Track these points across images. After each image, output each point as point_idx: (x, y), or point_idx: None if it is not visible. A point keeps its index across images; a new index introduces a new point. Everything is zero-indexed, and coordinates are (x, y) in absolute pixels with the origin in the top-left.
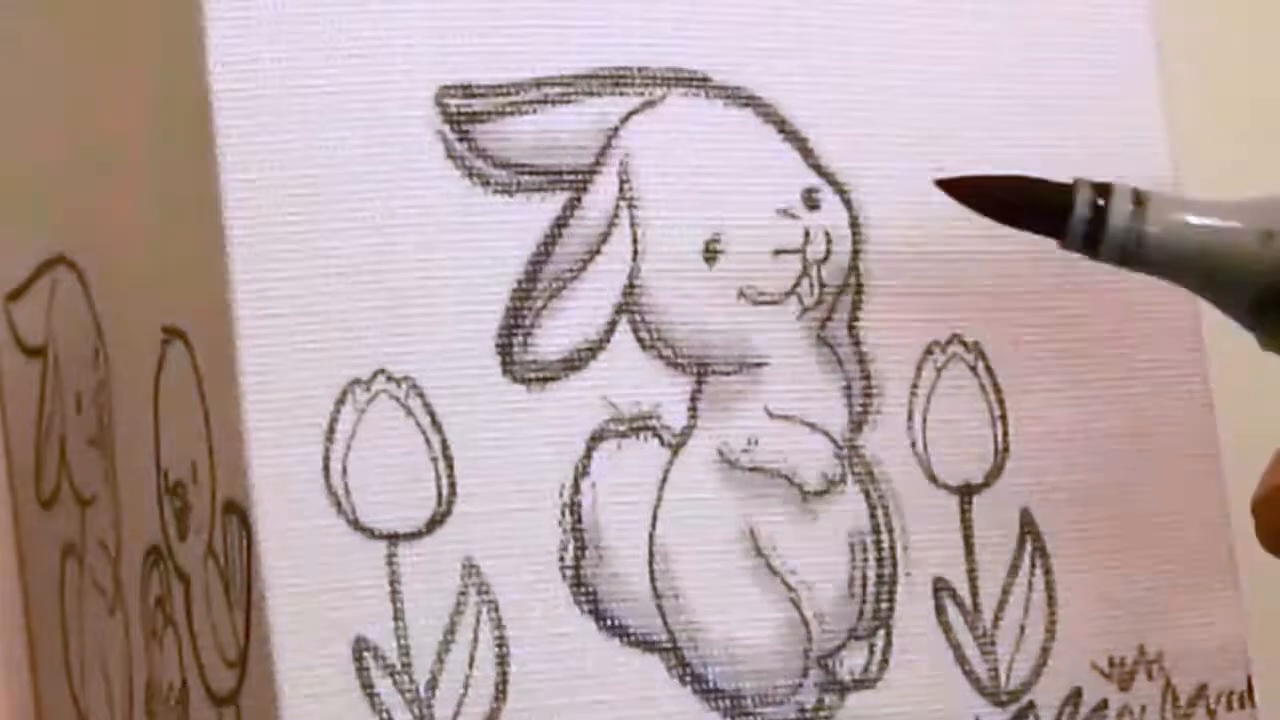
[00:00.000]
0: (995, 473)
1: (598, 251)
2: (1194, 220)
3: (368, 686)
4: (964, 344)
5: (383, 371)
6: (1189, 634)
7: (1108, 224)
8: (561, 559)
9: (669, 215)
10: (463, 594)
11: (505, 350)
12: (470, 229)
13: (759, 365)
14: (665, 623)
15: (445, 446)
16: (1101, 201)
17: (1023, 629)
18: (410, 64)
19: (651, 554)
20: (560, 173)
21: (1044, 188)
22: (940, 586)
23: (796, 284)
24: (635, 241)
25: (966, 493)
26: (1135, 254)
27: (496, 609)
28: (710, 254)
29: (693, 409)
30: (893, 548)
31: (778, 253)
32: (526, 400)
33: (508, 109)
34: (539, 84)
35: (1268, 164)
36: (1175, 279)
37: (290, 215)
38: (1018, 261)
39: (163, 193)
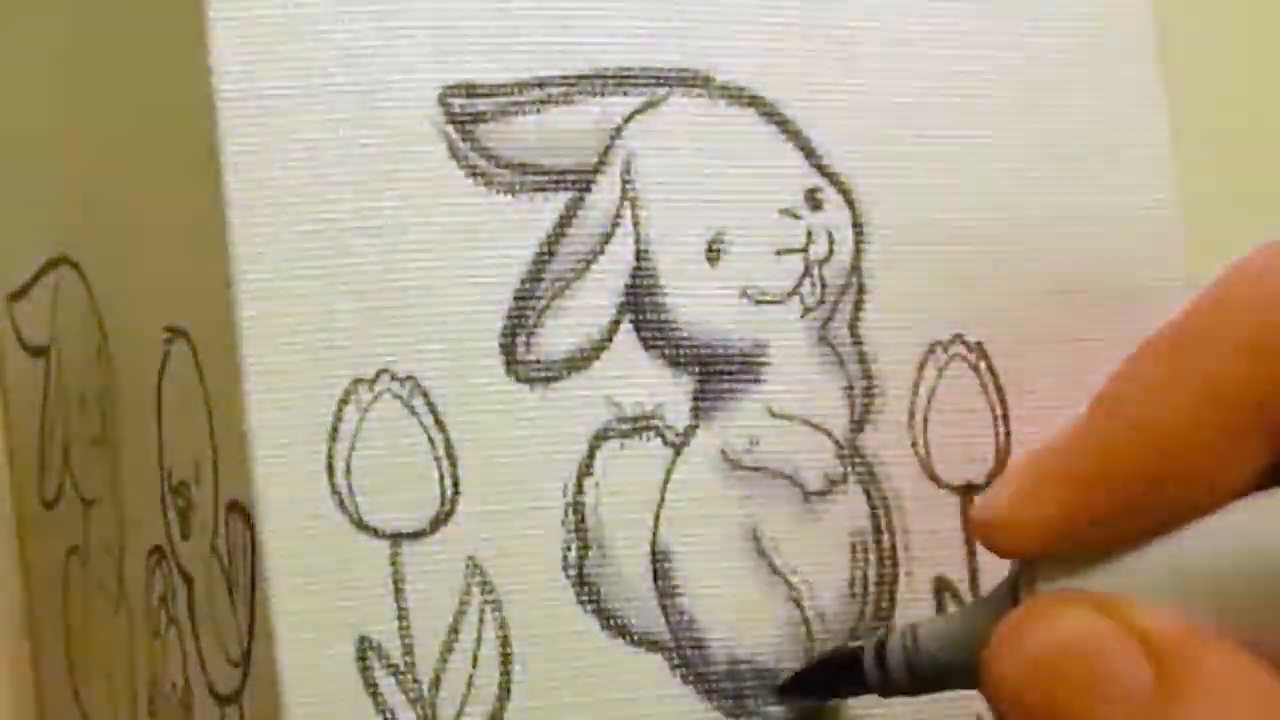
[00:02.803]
0: (998, 472)
1: (601, 251)
2: (954, 630)
3: (371, 685)
4: (966, 344)
5: (386, 371)
6: None
7: (887, 662)
8: (565, 558)
9: (671, 215)
10: (466, 593)
11: (508, 350)
12: (473, 228)
13: (761, 365)
14: (668, 622)
15: (449, 446)
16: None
17: None
18: (413, 64)
19: (654, 553)
20: (563, 172)
21: (832, 655)
22: (941, 586)
23: (799, 284)
24: (638, 241)
25: (968, 492)
26: (924, 678)
27: (500, 608)
28: (713, 254)
29: (695, 408)
30: (894, 547)
31: (780, 253)
32: (530, 400)
33: (511, 109)
34: (542, 84)
35: (1268, 164)
36: (965, 685)
37: (293, 215)
38: (1020, 261)
39: (165, 192)
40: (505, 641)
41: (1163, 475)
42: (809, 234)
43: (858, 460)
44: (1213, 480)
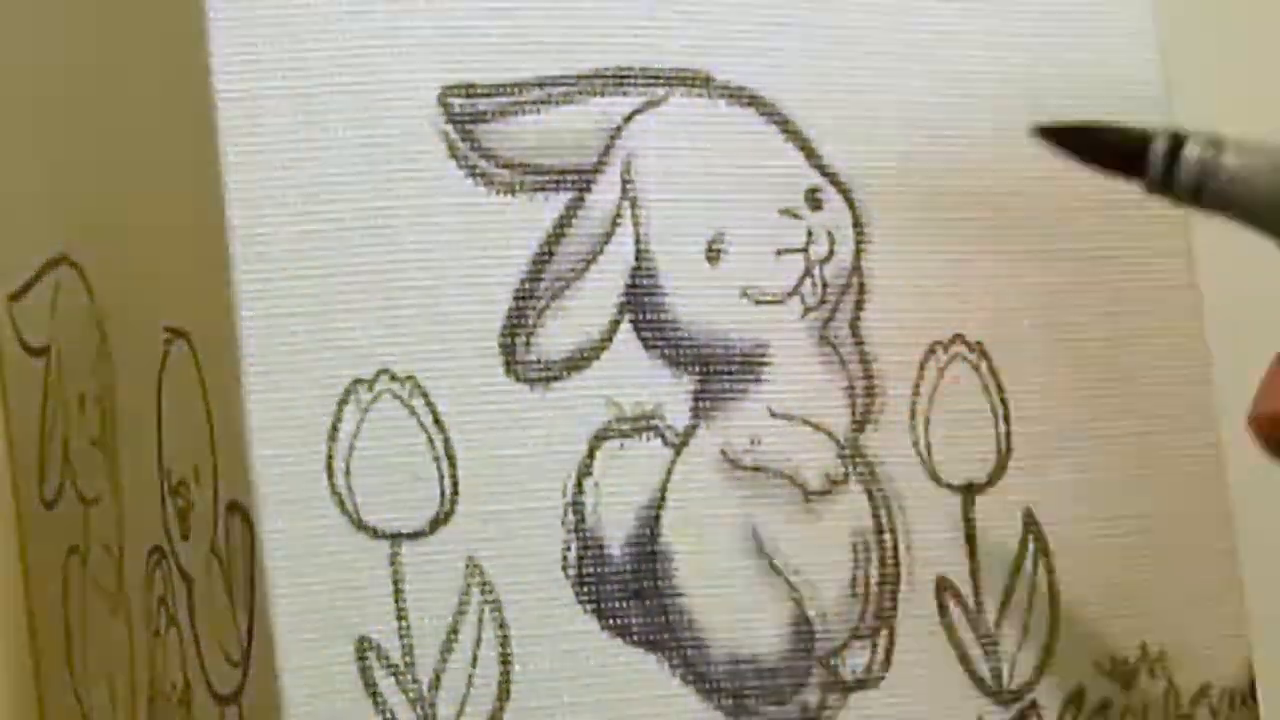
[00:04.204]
0: (998, 472)
1: (600, 251)
2: (1265, 160)
3: (370, 685)
4: (966, 343)
5: (385, 371)
6: (1191, 633)
7: (1181, 161)
8: (564, 558)
9: (672, 215)
10: (465, 593)
11: (508, 350)
12: (473, 228)
13: (762, 365)
14: (668, 621)
15: (448, 446)
16: (1177, 143)
17: (1025, 628)
18: (414, 64)
19: (654, 553)
20: (563, 172)
21: (1124, 133)
22: (943, 586)
23: (799, 284)
24: (638, 241)
25: (969, 492)
26: (1211, 192)
27: (499, 608)
28: (713, 253)
29: (695, 408)
30: (895, 547)
31: (780, 252)
32: (529, 400)
33: (511, 109)
34: (542, 84)
35: None
36: (1249, 219)
37: (293, 215)
38: (1020, 261)
39: (166, 193)
40: (505, 641)
41: None
42: (809, 234)
43: (858, 460)
44: None
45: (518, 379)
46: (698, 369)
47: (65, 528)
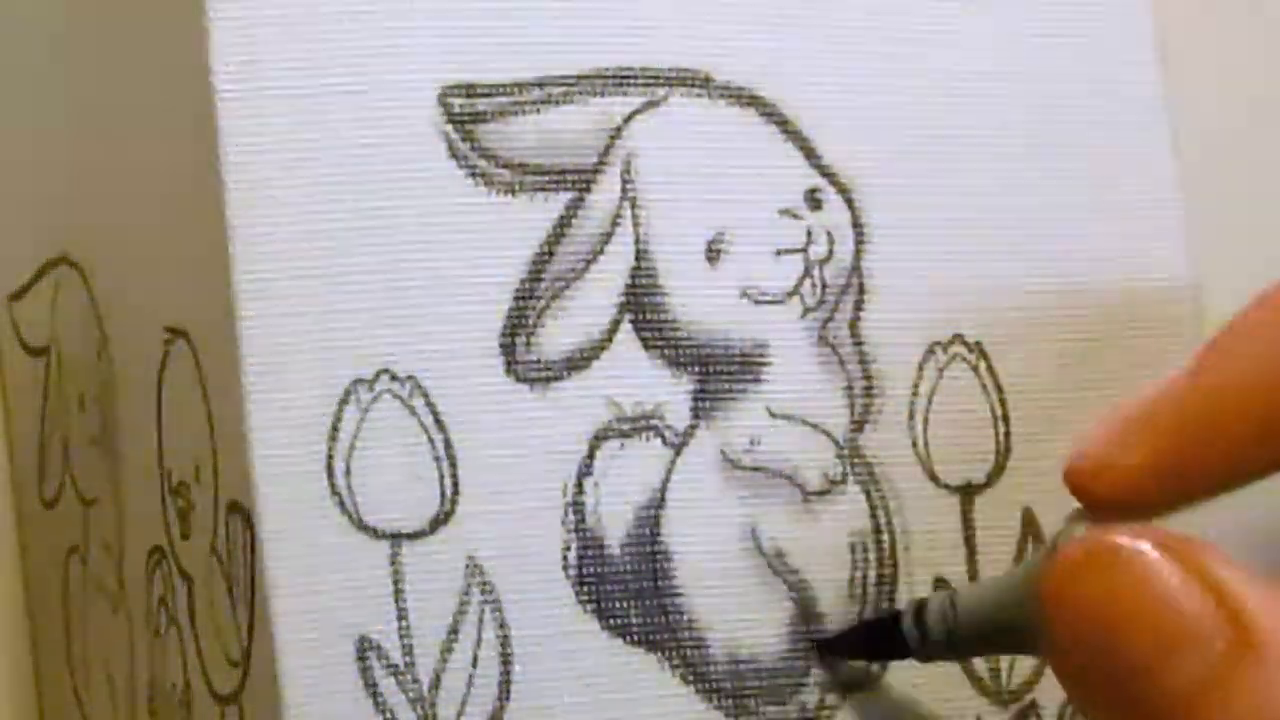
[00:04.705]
0: (997, 472)
1: (601, 251)
2: (982, 595)
3: (371, 686)
4: (966, 344)
5: (386, 371)
6: None
7: (927, 626)
8: (565, 558)
9: (672, 215)
10: (466, 593)
11: (508, 350)
12: (473, 229)
13: (761, 365)
14: (668, 622)
15: (448, 446)
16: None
17: None
18: (413, 64)
19: (654, 553)
20: (563, 172)
21: (873, 622)
22: (941, 586)
23: (799, 284)
24: (638, 241)
25: (968, 492)
26: (959, 648)
27: (500, 608)
28: (713, 254)
29: (695, 408)
30: (894, 547)
31: (780, 253)
32: (530, 400)
33: (511, 109)
34: (542, 84)
35: (1268, 164)
36: (991, 649)
37: (293, 215)
38: (1020, 261)
39: (166, 193)
40: (505, 641)
41: (1274, 423)
42: (809, 234)
43: (857, 460)
44: None
45: (518, 379)
46: (697, 369)
47: (65, 528)
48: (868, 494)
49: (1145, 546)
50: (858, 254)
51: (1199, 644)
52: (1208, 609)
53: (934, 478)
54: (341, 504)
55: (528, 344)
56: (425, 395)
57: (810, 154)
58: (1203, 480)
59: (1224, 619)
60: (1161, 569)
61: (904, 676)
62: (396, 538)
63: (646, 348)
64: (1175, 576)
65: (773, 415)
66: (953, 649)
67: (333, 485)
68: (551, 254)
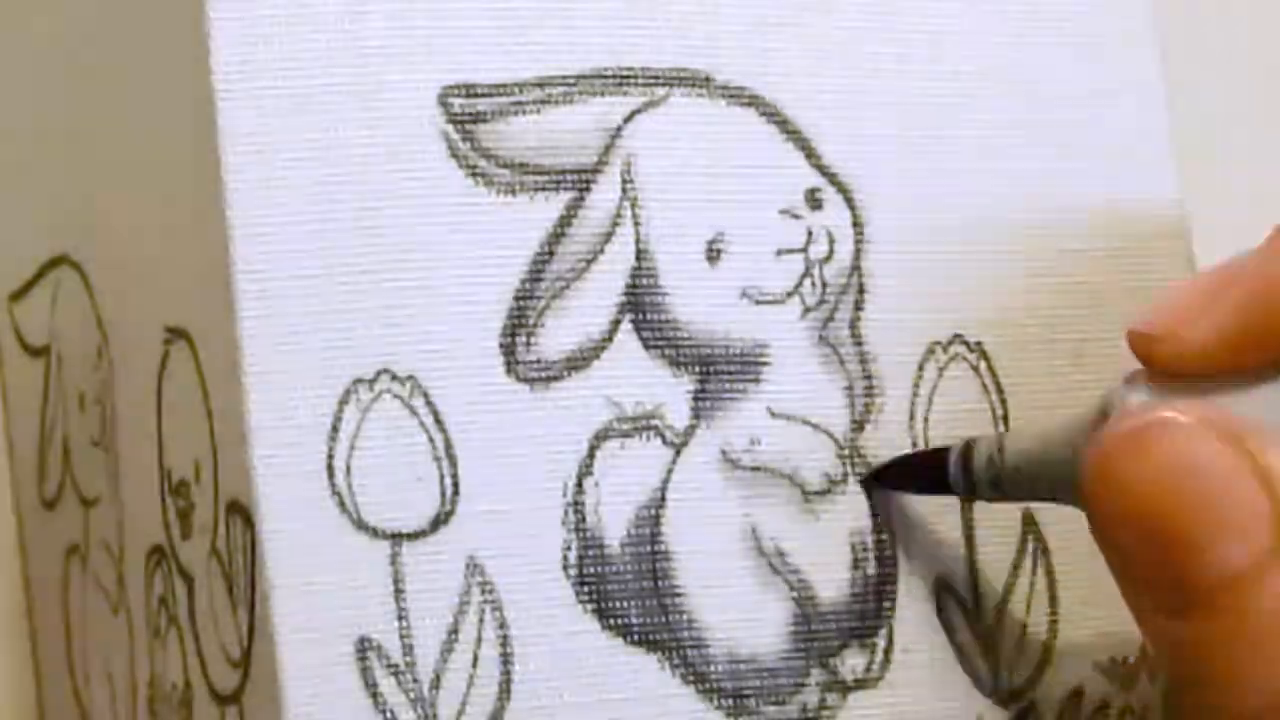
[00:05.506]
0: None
1: (601, 251)
2: (1033, 443)
3: (371, 686)
4: (966, 344)
5: (386, 371)
6: None
7: (973, 467)
8: (565, 558)
9: (671, 215)
10: (466, 593)
11: (509, 350)
12: (473, 229)
13: (761, 365)
14: (668, 622)
15: (449, 446)
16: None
17: (1024, 628)
18: (413, 64)
19: (654, 553)
20: (563, 172)
21: (921, 455)
22: (941, 586)
23: (799, 284)
24: (638, 241)
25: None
26: (1005, 483)
27: (500, 608)
28: (713, 254)
29: (695, 408)
30: (894, 547)
31: (780, 253)
32: (530, 400)
33: (511, 109)
34: (542, 84)
35: (1268, 164)
36: (1037, 497)
37: (293, 215)
38: (1020, 261)
39: (166, 193)
40: (505, 641)
41: None
42: (809, 234)
43: (858, 460)
44: None
45: (518, 379)
46: (697, 369)
47: (65, 528)
48: (868, 494)
49: (1195, 426)
50: (858, 254)
51: (1244, 534)
52: (1256, 498)
53: None
54: (341, 504)
55: (528, 344)
56: (425, 395)
57: (810, 154)
58: (1264, 358)
59: (1272, 510)
60: (1211, 451)
61: (904, 676)
62: (396, 538)
63: (646, 348)
64: (1225, 460)
65: (773, 415)
66: (997, 491)
67: (333, 485)
68: (551, 254)
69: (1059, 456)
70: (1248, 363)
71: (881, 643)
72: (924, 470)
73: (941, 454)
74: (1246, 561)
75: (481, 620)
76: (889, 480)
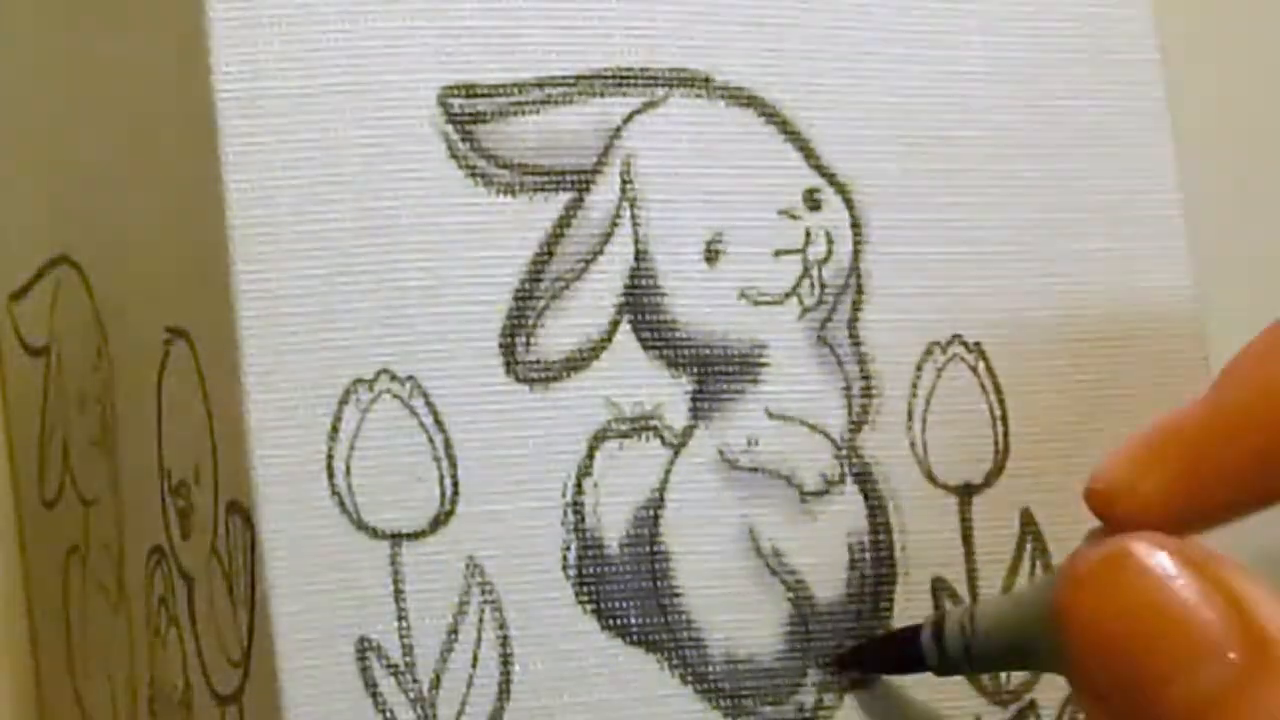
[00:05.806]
0: (995, 473)
1: (600, 251)
2: (1002, 609)
3: (371, 686)
4: (964, 344)
5: (386, 371)
6: None
7: (945, 642)
8: (564, 558)
9: (671, 215)
10: (466, 593)
11: (508, 350)
12: (473, 229)
13: (759, 365)
14: (667, 622)
15: (448, 446)
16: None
17: None
18: (413, 65)
19: (653, 553)
20: (563, 173)
21: (894, 635)
22: (939, 586)
23: (797, 284)
24: (637, 241)
25: (966, 493)
26: (976, 656)
27: (500, 608)
28: (711, 254)
29: (694, 409)
30: (892, 548)
31: (779, 253)
32: (529, 400)
33: (511, 109)
34: (541, 84)
35: (1268, 164)
36: (1008, 666)
37: (293, 215)
38: (1019, 261)
39: (166, 193)
40: (505, 641)
41: (1274, 454)
42: (808, 234)
43: (856, 461)
44: None
45: (518, 379)
46: (696, 370)
47: (65, 528)
48: (866, 494)
49: (1162, 554)
50: (856, 254)
51: (1216, 656)
52: (1226, 620)
53: (932, 478)
54: (341, 504)
55: (528, 344)
56: (425, 395)
57: (809, 154)
58: (1214, 506)
59: (1241, 631)
60: (1179, 576)
61: (903, 677)
62: (396, 538)
63: (645, 348)
64: (1193, 585)
65: (771, 416)
66: (971, 664)
67: (333, 485)
68: (551, 254)
69: (1032, 616)
70: (1200, 510)
71: None
72: (895, 650)
73: (913, 632)
74: (1219, 685)
75: (481, 620)
76: (860, 663)
